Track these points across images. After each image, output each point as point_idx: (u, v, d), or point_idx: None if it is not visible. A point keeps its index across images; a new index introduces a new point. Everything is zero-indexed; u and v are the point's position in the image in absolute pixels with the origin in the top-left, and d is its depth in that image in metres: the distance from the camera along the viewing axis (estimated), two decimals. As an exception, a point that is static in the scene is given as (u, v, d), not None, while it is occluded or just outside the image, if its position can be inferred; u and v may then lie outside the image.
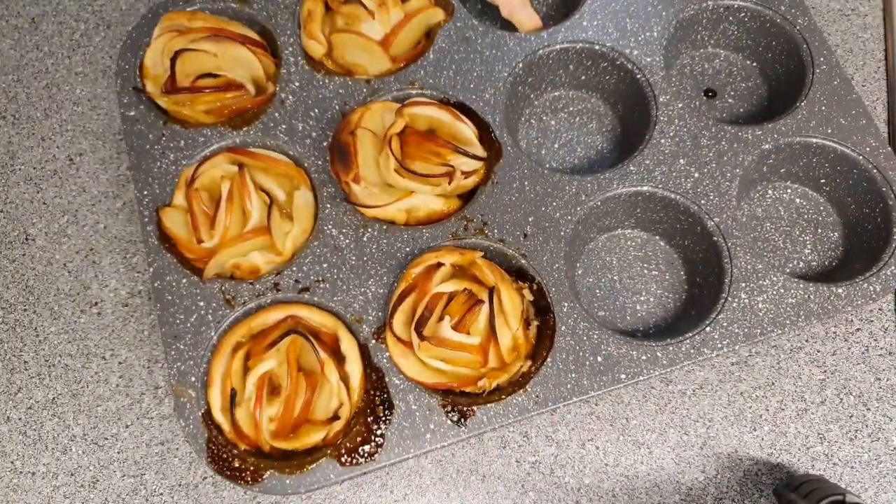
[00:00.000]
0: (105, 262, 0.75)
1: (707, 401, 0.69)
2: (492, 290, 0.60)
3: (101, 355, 0.72)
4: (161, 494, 0.67)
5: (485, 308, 0.60)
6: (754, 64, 0.79)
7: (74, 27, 0.87)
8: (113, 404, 0.70)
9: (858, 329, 0.72)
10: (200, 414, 0.60)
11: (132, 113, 0.70)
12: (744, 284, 0.64)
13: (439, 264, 0.62)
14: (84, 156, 0.80)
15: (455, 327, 0.59)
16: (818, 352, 0.71)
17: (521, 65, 0.72)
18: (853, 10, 0.86)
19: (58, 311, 0.74)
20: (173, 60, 0.66)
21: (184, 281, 0.64)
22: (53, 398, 0.71)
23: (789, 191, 0.73)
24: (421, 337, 0.59)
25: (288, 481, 0.57)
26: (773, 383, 0.70)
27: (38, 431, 0.70)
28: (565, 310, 0.62)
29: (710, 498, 0.66)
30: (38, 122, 0.82)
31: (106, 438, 0.69)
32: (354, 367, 0.60)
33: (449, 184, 0.64)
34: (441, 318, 0.60)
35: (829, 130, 0.69)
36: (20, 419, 0.70)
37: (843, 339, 0.71)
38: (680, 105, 0.70)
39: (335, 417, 0.59)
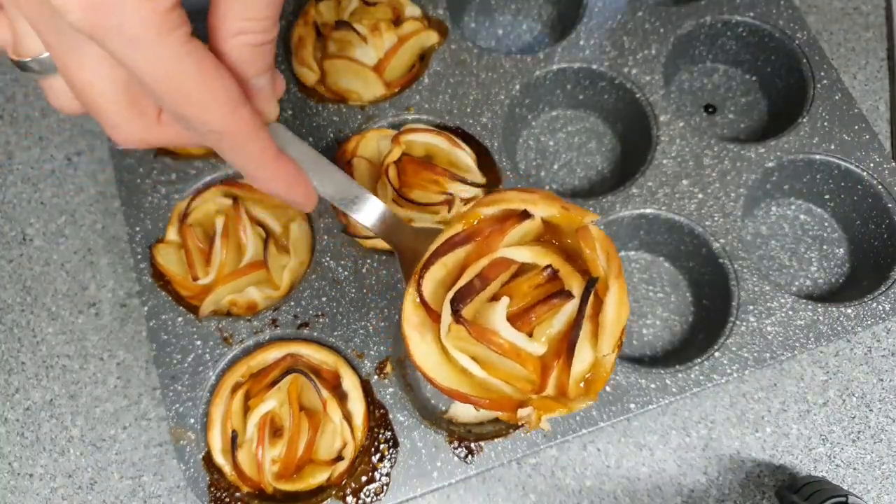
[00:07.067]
0: (103, 263, 0.74)
1: (709, 402, 0.68)
2: (592, 282, 0.39)
3: (98, 356, 0.71)
4: (159, 496, 0.66)
5: (571, 306, 0.39)
6: (753, 78, 0.78)
7: (74, 26, 0.85)
8: (111, 405, 0.69)
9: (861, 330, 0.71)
10: (201, 457, 0.58)
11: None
12: (752, 307, 0.62)
13: (525, 213, 0.41)
14: (82, 155, 0.79)
15: (513, 319, 0.39)
16: (821, 353, 0.70)
17: (518, 86, 0.70)
18: (855, 8, 0.86)
19: (55, 311, 0.72)
20: (163, 92, 0.65)
21: (179, 319, 0.62)
22: (51, 399, 0.69)
23: (793, 207, 0.72)
24: (457, 316, 0.39)
25: (293, 525, 0.56)
26: (775, 384, 0.69)
27: (35, 433, 0.68)
28: (571, 338, 0.61)
29: (712, 500, 0.65)
30: (35, 121, 0.81)
31: (104, 440, 0.68)
32: (357, 406, 0.59)
33: (448, 212, 0.63)
34: (497, 298, 0.40)
35: (832, 146, 0.68)
36: (18, 420, 0.69)
37: (845, 340, 0.70)
38: (681, 124, 0.69)
39: (339, 458, 0.57)
